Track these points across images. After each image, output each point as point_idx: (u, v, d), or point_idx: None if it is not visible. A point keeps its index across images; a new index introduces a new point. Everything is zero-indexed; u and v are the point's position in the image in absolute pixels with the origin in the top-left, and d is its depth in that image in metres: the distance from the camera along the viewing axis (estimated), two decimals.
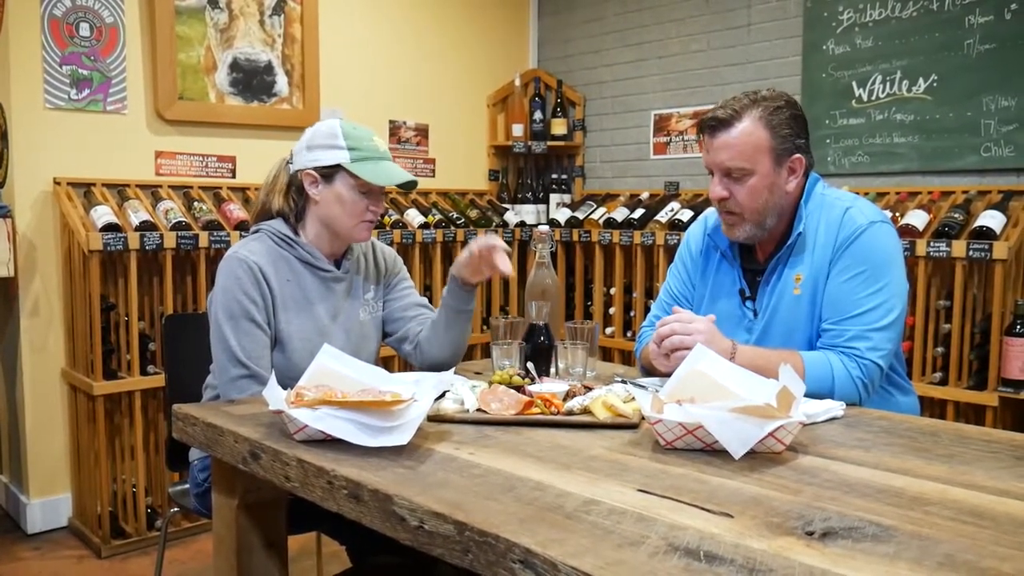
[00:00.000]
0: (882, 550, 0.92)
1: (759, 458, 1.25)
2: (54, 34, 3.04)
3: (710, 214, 1.98)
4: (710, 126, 1.78)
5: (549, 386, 1.58)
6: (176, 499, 2.14)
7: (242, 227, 3.13)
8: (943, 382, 2.82)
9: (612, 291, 3.81)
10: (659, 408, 1.32)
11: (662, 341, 1.65)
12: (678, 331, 1.63)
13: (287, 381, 1.49)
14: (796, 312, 1.77)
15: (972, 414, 2.78)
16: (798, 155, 1.77)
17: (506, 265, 1.83)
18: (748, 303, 1.85)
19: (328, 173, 1.83)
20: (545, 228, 1.98)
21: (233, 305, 1.76)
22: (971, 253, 2.69)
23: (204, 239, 3.02)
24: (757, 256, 1.87)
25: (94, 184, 3.11)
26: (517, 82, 4.29)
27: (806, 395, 1.59)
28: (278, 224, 1.88)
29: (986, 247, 2.66)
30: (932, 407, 2.78)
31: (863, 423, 1.50)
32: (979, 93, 2.98)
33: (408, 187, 1.88)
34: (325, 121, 1.87)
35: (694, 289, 1.98)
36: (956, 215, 2.84)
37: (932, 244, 2.76)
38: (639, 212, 3.71)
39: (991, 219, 2.74)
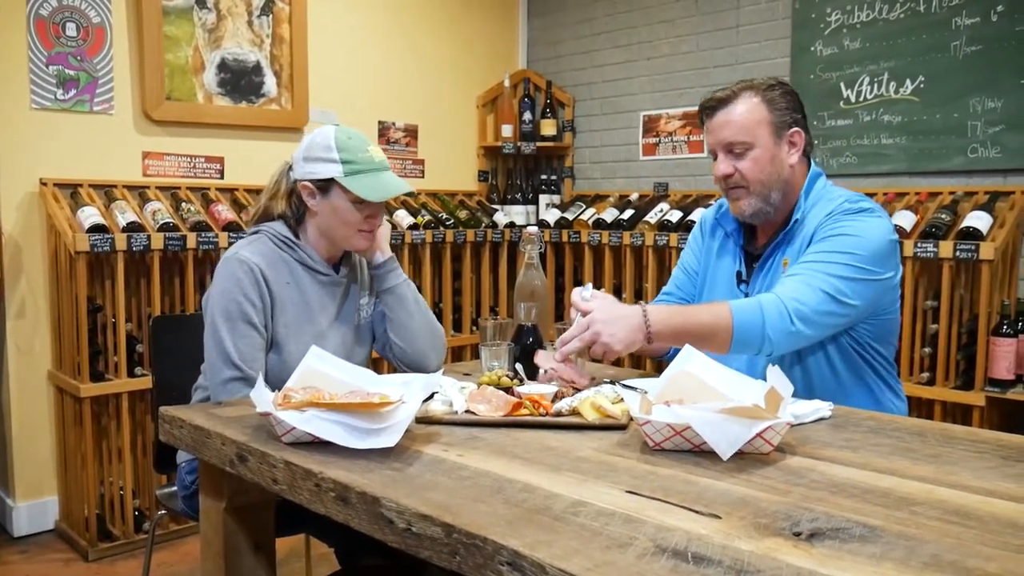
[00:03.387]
0: (869, 550, 0.92)
1: (747, 459, 1.26)
2: (40, 34, 3.02)
3: (720, 202, 2.02)
4: (709, 107, 1.83)
5: (538, 387, 1.58)
6: (164, 502, 2.13)
7: (230, 228, 3.13)
8: (930, 382, 2.84)
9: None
10: (647, 409, 1.32)
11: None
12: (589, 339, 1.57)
13: (282, 384, 1.48)
14: None
15: (959, 414, 2.79)
16: (796, 128, 1.82)
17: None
18: (742, 286, 1.88)
19: (323, 186, 1.81)
20: (534, 229, 1.97)
21: (231, 306, 1.76)
22: (958, 254, 2.70)
23: (192, 240, 3.01)
24: (757, 243, 1.91)
25: (81, 185, 3.09)
26: (506, 83, 4.29)
27: (742, 335, 1.59)
28: (279, 226, 1.87)
29: (973, 248, 2.68)
30: (919, 407, 2.79)
31: (851, 423, 1.51)
32: (966, 94, 3.00)
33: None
34: (321, 130, 1.84)
35: (698, 265, 2.03)
36: (943, 216, 2.86)
37: (919, 245, 2.77)
38: (628, 213, 3.72)
39: (978, 220, 2.76)
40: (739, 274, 1.89)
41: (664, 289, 2.11)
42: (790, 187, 1.83)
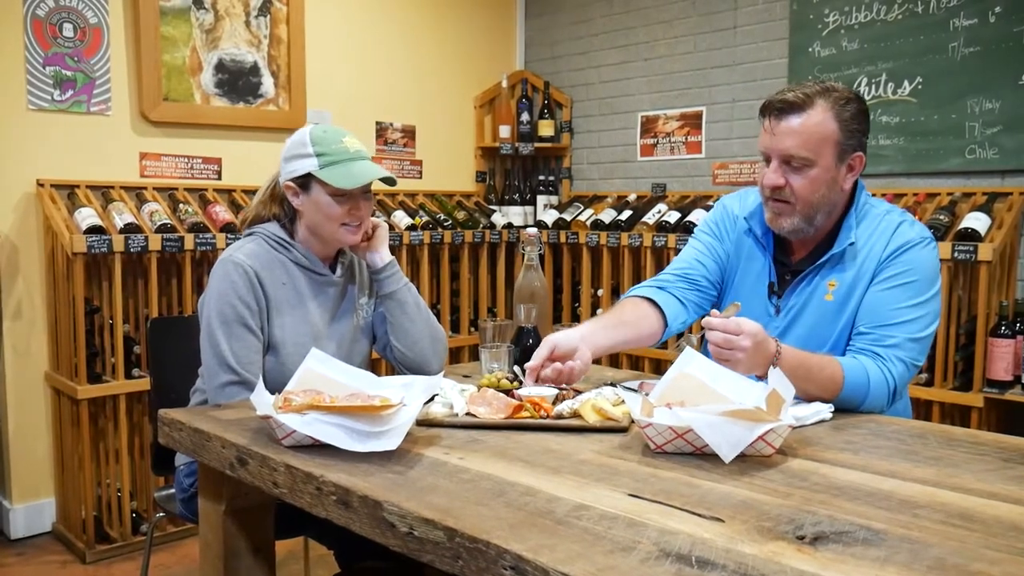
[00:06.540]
0: (872, 554, 0.92)
1: (749, 462, 1.25)
2: (37, 35, 3.01)
3: (746, 192, 1.90)
4: (777, 109, 1.67)
5: (538, 390, 1.58)
6: (162, 504, 2.13)
7: (228, 229, 3.12)
8: (929, 383, 2.84)
9: (600, 293, 3.82)
10: (649, 412, 1.32)
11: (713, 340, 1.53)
12: (725, 345, 1.50)
13: (280, 386, 1.48)
14: (823, 316, 1.73)
15: (957, 415, 2.79)
16: (860, 153, 1.70)
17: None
18: (773, 298, 1.80)
19: (304, 183, 1.81)
20: (533, 230, 1.97)
21: (227, 309, 1.75)
22: (956, 255, 2.71)
23: (189, 241, 3.00)
24: (790, 253, 1.81)
25: (78, 186, 3.08)
26: (504, 83, 4.29)
27: (840, 401, 1.60)
28: (273, 227, 1.87)
29: (971, 249, 2.68)
30: (918, 408, 2.80)
31: (851, 425, 1.51)
32: (963, 96, 3.00)
33: (386, 183, 1.86)
34: (300, 130, 1.86)
35: (727, 259, 1.89)
36: (941, 217, 2.86)
37: None
38: (626, 214, 3.72)
39: (976, 221, 2.76)
40: (771, 285, 1.80)
41: (671, 268, 1.93)
42: (837, 208, 1.73)
